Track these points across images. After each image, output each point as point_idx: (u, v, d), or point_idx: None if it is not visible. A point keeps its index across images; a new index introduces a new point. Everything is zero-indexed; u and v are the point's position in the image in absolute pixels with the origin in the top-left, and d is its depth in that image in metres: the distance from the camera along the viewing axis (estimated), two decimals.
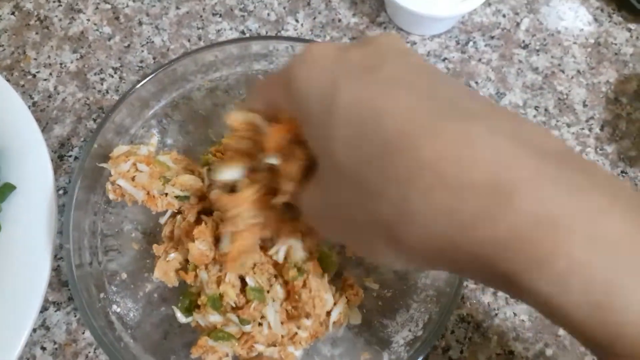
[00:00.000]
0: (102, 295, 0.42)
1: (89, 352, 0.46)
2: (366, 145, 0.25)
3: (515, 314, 0.48)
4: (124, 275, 0.44)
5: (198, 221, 0.42)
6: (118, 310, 0.42)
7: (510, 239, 0.21)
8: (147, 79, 0.45)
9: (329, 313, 0.42)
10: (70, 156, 0.53)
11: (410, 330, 0.41)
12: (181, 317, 0.43)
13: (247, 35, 0.59)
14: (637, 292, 0.20)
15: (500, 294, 0.49)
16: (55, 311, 0.47)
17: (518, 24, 0.61)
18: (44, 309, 0.47)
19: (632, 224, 0.21)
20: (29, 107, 0.51)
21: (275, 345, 0.42)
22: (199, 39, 0.59)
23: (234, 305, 0.40)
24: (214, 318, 0.41)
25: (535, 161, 0.22)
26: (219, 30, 0.59)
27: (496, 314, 0.48)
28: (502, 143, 0.22)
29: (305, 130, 0.29)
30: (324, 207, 0.30)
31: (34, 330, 0.47)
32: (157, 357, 0.41)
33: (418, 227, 0.24)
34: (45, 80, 0.56)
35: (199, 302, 0.41)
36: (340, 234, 0.31)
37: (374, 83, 0.25)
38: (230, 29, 0.59)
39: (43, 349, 0.46)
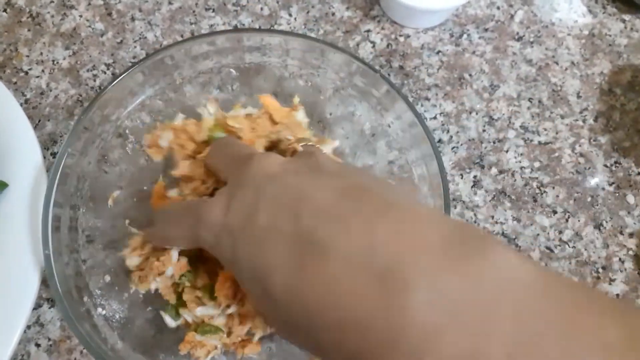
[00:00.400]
0: (85, 298, 0.41)
1: (84, 349, 0.46)
2: (269, 301, 0.28)
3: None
4: (108, 278, 0.44)
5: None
6: (103, 312, 0.42)
7: None
8: (133, 68, 0.44)
9: None
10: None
11: None
12: (171, 322, 0.43)
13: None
14: None
15: None
16: (49, 308, 0.47)
17: (512, 16, 0.61)
18: (37, 305, 0.47)
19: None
20: (21, 104, 0.51)
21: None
22: (192, 34, 0.58)
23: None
24: (202, 311, 0.41)
25: (377, 292, 0.24)
26: (211, 25, 0.59)
27: None
28: (352, 280, 0.24)
29: (221, 262, 0.33)
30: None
31: (28, 327, 0.46)
32: (146, 355, 0.41)
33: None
34: (37, 77, 0.56)
35: (184, 299, 0.41)
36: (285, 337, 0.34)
37: (253, 243, 0.29)
38: (224, 23, 0.59)
39: (37, 345, 0.46)
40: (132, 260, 0.43)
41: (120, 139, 0.45)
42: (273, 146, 0.44)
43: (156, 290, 0.43)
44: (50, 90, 0.55)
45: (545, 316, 0.21)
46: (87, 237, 0.43)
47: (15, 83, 0.55)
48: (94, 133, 0.43)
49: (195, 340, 0.41)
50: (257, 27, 0.59)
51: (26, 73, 0.56)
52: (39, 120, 0.54)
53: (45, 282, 0.47)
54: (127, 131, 0.45)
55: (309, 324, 0.25)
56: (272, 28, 0.59)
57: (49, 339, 0.46)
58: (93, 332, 0.39)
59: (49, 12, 0.59)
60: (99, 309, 0.41)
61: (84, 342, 0.37)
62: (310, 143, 0.40)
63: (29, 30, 0.58)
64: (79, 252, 0.42)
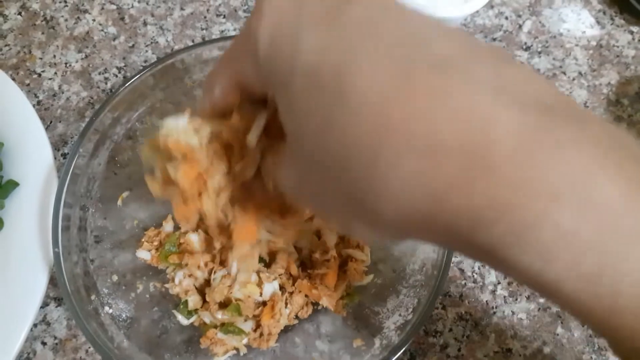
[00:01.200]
0: (93, 297, 0.42)
1: (89, 347, 0.46)
2: (328, 108, 0.21)
3: (513, 312, 0.48)
4: (115, 278, 0.44)
5: None
6: (110, 311, 0.42)
7: (487, 208, 0.19)
8: (144, 72, 0.45)
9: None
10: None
11: (400, 315, 0.42)
12: (183, 320, 0.43)
13: None
14: (630, 260, 0.18)
15: (499, 292, 0.49)
16: (56, 307, 0.48)
17: (520, 26, 0.61)
18: (44, 304, 0.48)
19: (627, 183, 0.18)
20: (34, 105, 0.51)
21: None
22: (203, 39, 0.59)
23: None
24: (222, 316, 0.41)
25: (516, 115, 0.19)
26: (222, 31, 0.60)
27: (494, 312, 0.48)
28: (478, 96, 0.19)
29: (275, 95, 0.25)
30: (298, 183, 0.27)
31: (35, 325, 0.47)
32: (152, 355, 0.41)
33: (389, 198, 0.21)
34: (50, 79, 0.56)
35: (207, 299, 0.42)
36: (314, 210, 0.29)
37: (336, 30, 0.22)
38: (234, 29, 0.60)
39: (44, 344, 0.47)
40: (142, 254, 0.43)
41: (130, 141, 0.46)
42: None
43: (164, 290, 0.44)
44: (62, 93, 0.56)
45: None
46: (95, 237, 0.44)
47: (28, 85, 0.56)
48: (105, 135, 0.44)
49: (216, 337, 0.41)
50: None
51: (39, 75, 0.57)
52: (51, 122, 0.54)
53: (53, 281, 0.48)
54: (137, 133, 0.46)
55: (397, 142, 0.20)
56: None
57: (55, 338, 0.47)
58: (100, 330, 0.39)
59: (62, 16, 0.60)
60: (106, 308, 0.42)
61: (91, 340, 0.38)
62: None
63: (42, 33, 0.59)
64: (88, 252, 0.43)
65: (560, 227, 0.18)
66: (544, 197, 0.18)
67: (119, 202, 0.46)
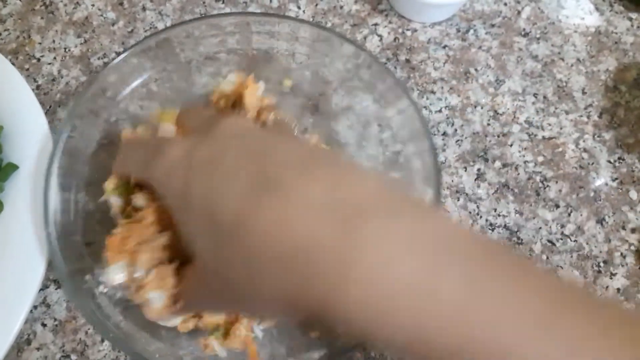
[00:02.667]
0: (87, 277, 0.42)
1: (89, 329, 0.47)
2: (215, 235, 0.28)
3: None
4: None
5: None
6: (105, 290, 0.42)
7: (321, 302, 0.25)
8: (135, 46, 0.45)
9: None
10: (72, 138, 0.53)
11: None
12: (222, 351, 0.43)
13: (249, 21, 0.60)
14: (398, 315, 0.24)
15: None
16: (56, 289, 0.48)
17: (519, 12, 0.61)
18: (44, 286, 0.48)
19: (422, 263, 0.24)
20: (33, 90, 0.52)
21: None
22: None
23: None
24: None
25: (333, 226, 0.25)
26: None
27: None
28: (307, 215, 0.26)
29: (171, 210, 0.33)
30: (201, 292, 0.34)
31: (35, 307, 0.47)
32: (148, 331, 0.41)
33: (266, 300, 0.28)
34: (49, 64, 0.57)
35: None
36: (217, 308, 0.36)
37: (214, 176, 0.29)
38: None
39: (44, 325, 0.47)
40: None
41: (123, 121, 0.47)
42: None
43: None
44: (62, 77, 0.56)
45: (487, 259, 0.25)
46: (90, 217, 0.44)
47: (28, 69, 0.56)
48: (96, 112, 0.45)
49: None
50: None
51: (38, 60, 0.57)
52: (50, 106, 0.55)
53: (52, 263, 0.48)
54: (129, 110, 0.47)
55: (256, 254, 0.26)
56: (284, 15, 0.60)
57: (55, 319, 0.47)
58: (97, 309, 0.39)
59: (61, 1, 0.60)
60: (101, 287, 0.42)
61: (88, 317, 0.38)
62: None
63: (42, 18, 0.59)
64: (82, 231, 0.43)
65: (350, 292, 0.24)
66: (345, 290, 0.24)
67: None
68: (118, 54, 0.45)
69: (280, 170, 0.28)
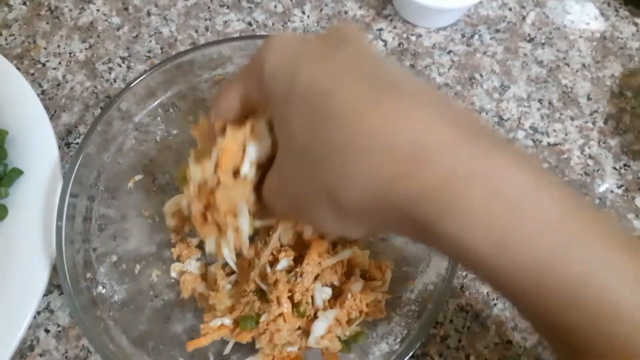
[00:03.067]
0: (88, 275, 0.42)
1: None
2: (316, 120, 0.28)
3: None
4: (114, 258, 0.45)
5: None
6: (103, 291, 0.43)
7: (424, 191, 0.25)
8: (155, 69, 0.46)
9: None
10: (77, 143, 0.53)
11: (387, 344, 0.41)
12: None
13: (254, 27, 0.60)
14: (525, 232, 0.24)
15: None
16: (60, 295, 0.48)
17: (524, 18, 0.61)
18: (48, 292, 0.48)
19: (530, 177, 0.25)
20: (38, 95, 0.52)
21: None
22: (207, 29, 0.59)
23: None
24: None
25: (451, 129, 0.25)
26: (226, 22, 0.60)
27: (495, 304, 0.48)
28: (426, 116, 0.26)
29: (272, 111, 0.32)
30: (279, 188, 0.33)
31: (38, 313, 0.47)
32: (137, 344, 0.42)
33: (353, 188, 0.27)
34: (54, 69, 0.57)
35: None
36: (290, 208, 0.34)
37: (328, 66, 0.29)
38: (237, 20, 0.60)
39: (47, 331, 0.47)
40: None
41: (139, 134, 0.47)
42: None
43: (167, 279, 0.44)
44: (67, 82, 0.56)
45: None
46: (99, 225, 0.45)
47: (33, 74, 0.56)
48: (113, 128, 0.45)
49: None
50: (270, 24, 0.60)
51: (43, 65, 0.57)
52: (55, 111, 0.55)
53: (55, 269, 0.48)
54: (144, 128, 0.47)
55: (362, 141, 0.26)
56: (285, 26, 0.60)
57: (58, 325, 0.47)
58: (91, 306, 0.40)
59: (67, 6, 0.60)
60: (100, 287, 0.43)
61: (77, 316, 0.39)
62: None
63: (47, 23, 0.59)
64: (90, 231, 0.44)
65: (473, 202, 0.24)
66: (463, 183, 0.24)
67: (130, 184, 0.47)
68: (121, 58, 0.45)
69: (394, 75, 0.28)
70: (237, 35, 0.59)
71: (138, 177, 0.47)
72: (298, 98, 0.29)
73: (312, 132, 0.28)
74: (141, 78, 0.45)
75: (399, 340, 0.41)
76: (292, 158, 0.31)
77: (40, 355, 0.46)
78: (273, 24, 0.60)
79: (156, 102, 0.48)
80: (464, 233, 0.25)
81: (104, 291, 0.43)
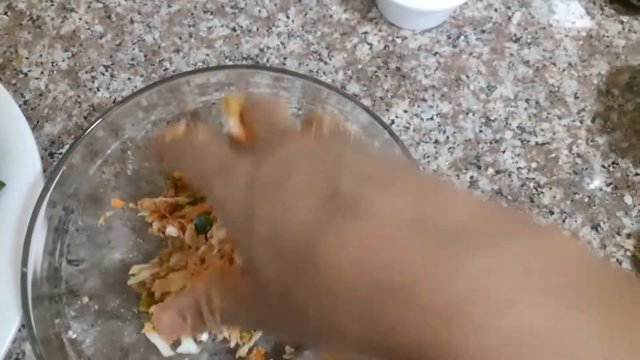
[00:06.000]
0: (57, 320, 0.41)
1: None
2: (283, 263, 0.24)
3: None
4: (86, 300, 0.43)
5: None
6: (74, 336, 0.41)
7: (418, 337, 0.20)
8: (147, 89, 0.45)
9: None
10: (60, 153, 0.53)
11: None
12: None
13: (238, 32, 0.59)
14: None
15: None
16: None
17: (509, 18, 0.61)
18: None
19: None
20: (20, 105, 0.51)
21: None
22: (190, 36, 0.59)
23: None
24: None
25: (433, 248, 0.20)
26: (210, 28, 0.59)
27: None
28: (397, 238, 0.21)
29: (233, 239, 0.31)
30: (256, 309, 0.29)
31: (23, 325, 0.47)
32: None
33: (341, 337, 0.23)
34: (36, 79, 0.56)
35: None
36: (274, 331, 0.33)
37: (281, 198, 0.25)
38: (222, 25, 0.59)
39: None
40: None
41: (122, 152, 0.47)
42: None
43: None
44: (49, 92, 0.55)
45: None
46: (68, 257, 0.44)
47: (15, 84, 0.56)
48: (96, 146, 0.45)
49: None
50: (255, 29, 0.60)
51: (25, 75, 0.56)
52: (38, 121, 0.54)
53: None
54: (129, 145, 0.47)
55: (331, 288, 0.22)
56: (269, 31, 0.59)
57: None
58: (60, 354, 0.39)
59: (49, 15, 0.59)
60: (70, 332, 0.41)
61: None
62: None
63: (29, 32, 0.58)
64: (61, 271, 0.43)
65: (472, 348, 0.19)
66: (457, 323, 0.19)
67: (101, 221, 0.46)
68: (105, 66, 0.45)
69: (354, 184, 0.24)
70: (221, 41, 0.59)
71: (109, 213, 0.46)
72: (262, 241, 0.25)
73: (285, 276, 0.24)
74: (128, 98, 0.45)
75: None
76: (266, 293, 0.27)
77: None
78: (257, 29, 0.60)
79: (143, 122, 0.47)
80: None
81: (74, 336, 0.41)
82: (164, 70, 0.57)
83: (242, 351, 0.44)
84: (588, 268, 0.20)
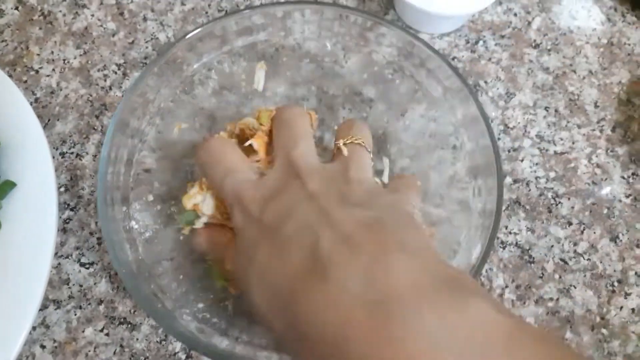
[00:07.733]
0: (124, 208, 0.42)
1: (89, 351, 0.45)
2: (270, 301, 0.30)
3: (521, 316, 0.47)
4: (150, 197, 0.45)
5: None
6: (136, 227, 0.43)
7: None
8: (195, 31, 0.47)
9: None
10: (72, 153, 0.52)
11: None
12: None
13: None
14: None
15: (507, 295, 0.48)
16: (55, 309, 0.47)
17: (529, 23, 0.60)
18: (43, 307, 0.47)
19: None
20: (31, 103, 0.50)
21: None
22: None
23: None
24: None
25: (365, 315, 0.25)
26: (224, 27, 0.58)
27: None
28: (343, 302, 0.26)
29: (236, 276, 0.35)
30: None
31: (34, 328, 0.46)
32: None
33: None
34: (48, 76, 0.55)
35: None
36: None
37: (274, 244, 0.31)
38: (236, 24, 0.58)
39: (42, 347, 0.46)
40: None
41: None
42: None
43: None
44: (61, 90, 0.55)
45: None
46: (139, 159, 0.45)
47: (26, 82, 0.55)
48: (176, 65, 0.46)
49: None
50: (270, 29, 0.58)
51: (37, 72, 0.55)
52: (49, 120, 0.53)
53: (51, 284, 0.47)
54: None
55: (304, 332, 0.27)
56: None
57: (54, 341, 0.46)
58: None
59: (60, 11, 0.58)
60: (132, 222, 0.43)
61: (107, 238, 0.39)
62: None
63: (40, 28, 0.57)
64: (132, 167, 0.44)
65: None
66: None
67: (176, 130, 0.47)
68: (117, 64, 0.44)
69: (329, 247, 0.29)
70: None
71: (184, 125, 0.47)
72: (259, 289, 0.31)
73: (269, 309, 0.31)
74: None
75: None
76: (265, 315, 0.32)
77: None
78: (272, 30, 0.58)
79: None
80: None
81: (136, 226, 0.43)
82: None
83: None
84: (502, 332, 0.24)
